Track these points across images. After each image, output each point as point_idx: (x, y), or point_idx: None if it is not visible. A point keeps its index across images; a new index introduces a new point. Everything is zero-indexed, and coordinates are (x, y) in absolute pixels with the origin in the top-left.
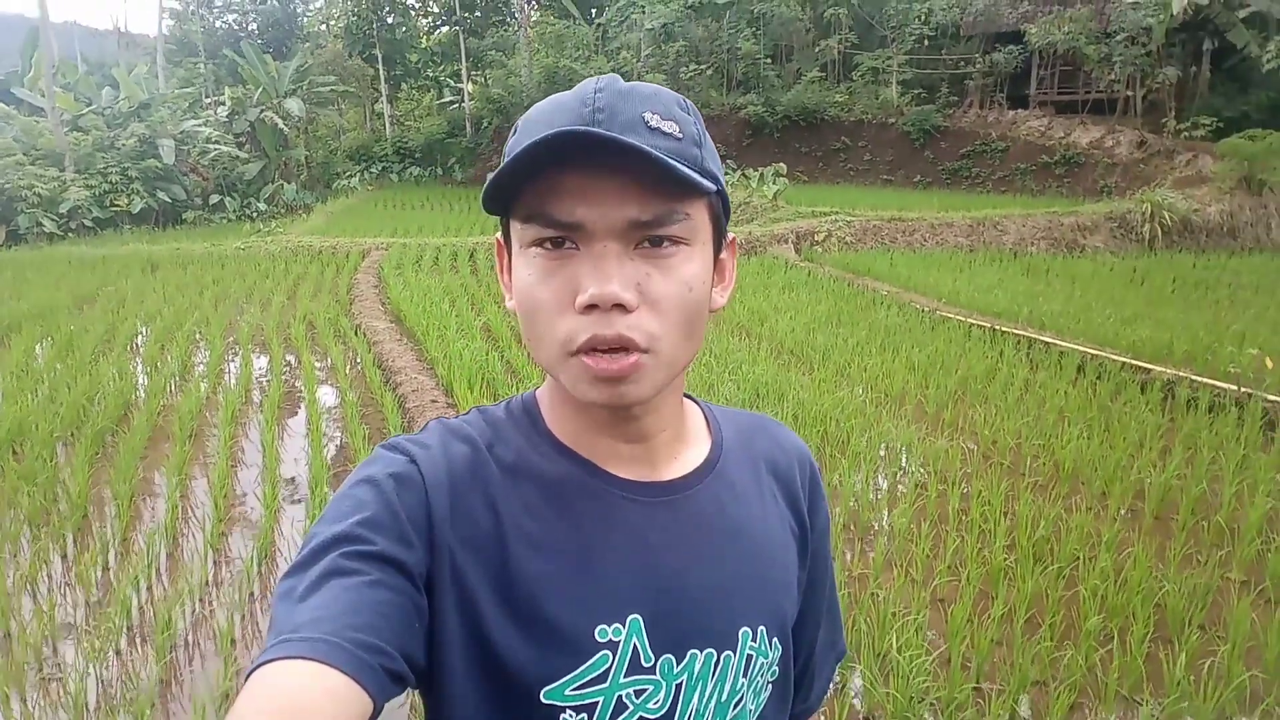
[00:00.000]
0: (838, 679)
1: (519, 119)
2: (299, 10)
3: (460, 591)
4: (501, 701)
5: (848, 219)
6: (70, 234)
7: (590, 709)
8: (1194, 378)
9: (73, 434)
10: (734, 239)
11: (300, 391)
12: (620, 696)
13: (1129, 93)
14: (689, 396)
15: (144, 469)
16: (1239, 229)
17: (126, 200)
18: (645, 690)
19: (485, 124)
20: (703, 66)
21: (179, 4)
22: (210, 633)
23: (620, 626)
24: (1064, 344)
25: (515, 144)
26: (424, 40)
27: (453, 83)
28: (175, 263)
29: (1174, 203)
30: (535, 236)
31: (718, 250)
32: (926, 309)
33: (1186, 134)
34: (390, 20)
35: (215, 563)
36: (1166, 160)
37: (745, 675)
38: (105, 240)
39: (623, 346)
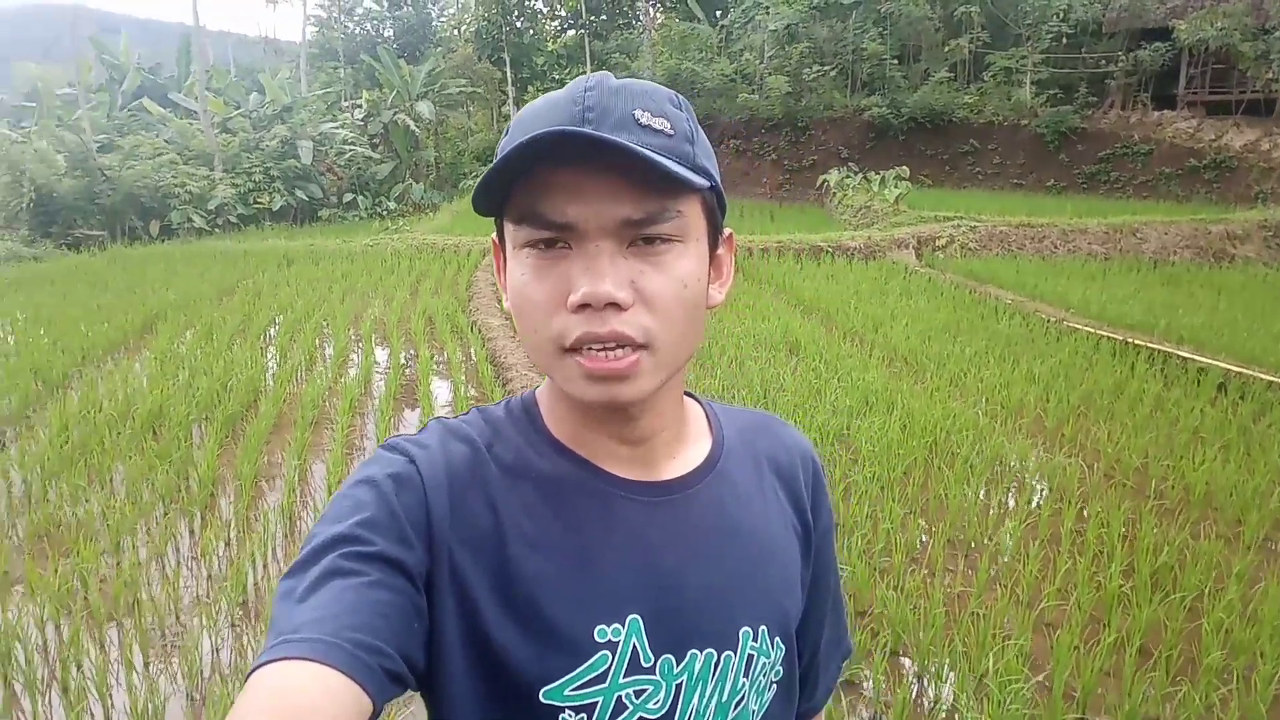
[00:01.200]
0: (931, 693)
1: (513, 118)
2: (432, 16)
3: (459, 591)
4: (500, 701)
5: (972, 224)
6: (217, 229)
7: (590, 709)
8: None
9: (206, 417)
10: (731, 234)
11: (417, 384)
12: (620, 697)
13: None
14: (690, 395)
15: (267, 453)
16: None
17: (268, 198)
18: (645, 690)
19: None
20: (826, 68)
21: (323, 12)
22: None
23: (619, 626)
24: (1204, 359)
25: (506, 144)
26: (550, 44)
27: None
28: (308, 258)
29: None
30: (528, 237)
31: (714, 246)
32: (1052, 319)
33: None
34: (519, 24)
35: None
36: None
37: (747, 675)
38: (248, 235)
39: (618, 342)
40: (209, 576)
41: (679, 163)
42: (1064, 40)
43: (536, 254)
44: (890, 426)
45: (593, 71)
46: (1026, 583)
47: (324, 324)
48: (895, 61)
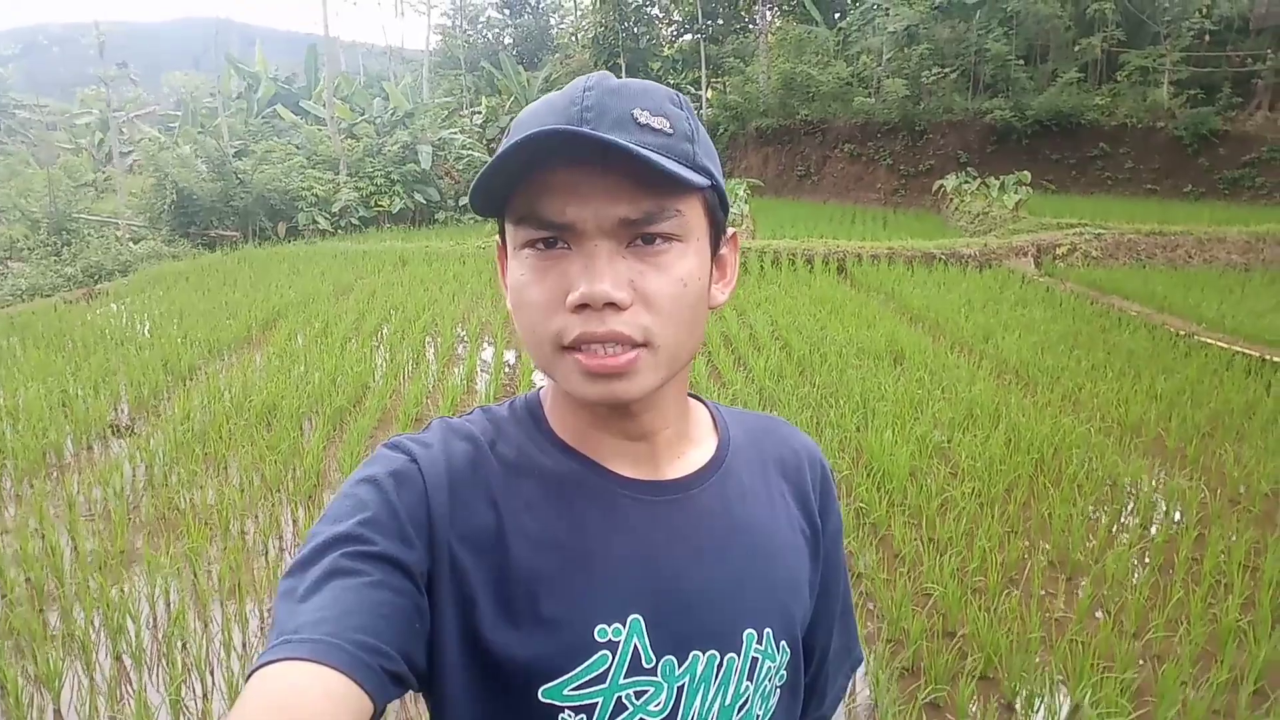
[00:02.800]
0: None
1: (511, 121)
2: (551, 23)
3: (460, 590)
4: (500, 701)
5: (1096, 232)
6: (340, 230)
7: (589, 709)
8: None
9: (315, 411)
10: (734, 234)
11: (518, 384)
12: (620, 697)
13: None
14: (696, 397)
15: (370, 448)
16: None
17: (388, 200)
18: (646, 691)
19: (721, 130)
20: (947, 69)
21: (447, 21)
22: None
23: (620, 626)
24: None
25: (504, 144)
26: (666, 49)
27: (693, 89)
28: (423, 259)
29: None
30: (528, 237)
31: (716, 246)
32: (1181, 333)
33: None
34: (635, 30)
35: None
36: None
37: (750, 678)
38: (367, 237)
39: (616, 341)
40: None
41: (679, 162)
42: (1207, 37)
43: (536, 254)
44: (994, 441)
45: (707, 76)
46: (1134, 610)
47: (433, 323)
48: (1021, 62)
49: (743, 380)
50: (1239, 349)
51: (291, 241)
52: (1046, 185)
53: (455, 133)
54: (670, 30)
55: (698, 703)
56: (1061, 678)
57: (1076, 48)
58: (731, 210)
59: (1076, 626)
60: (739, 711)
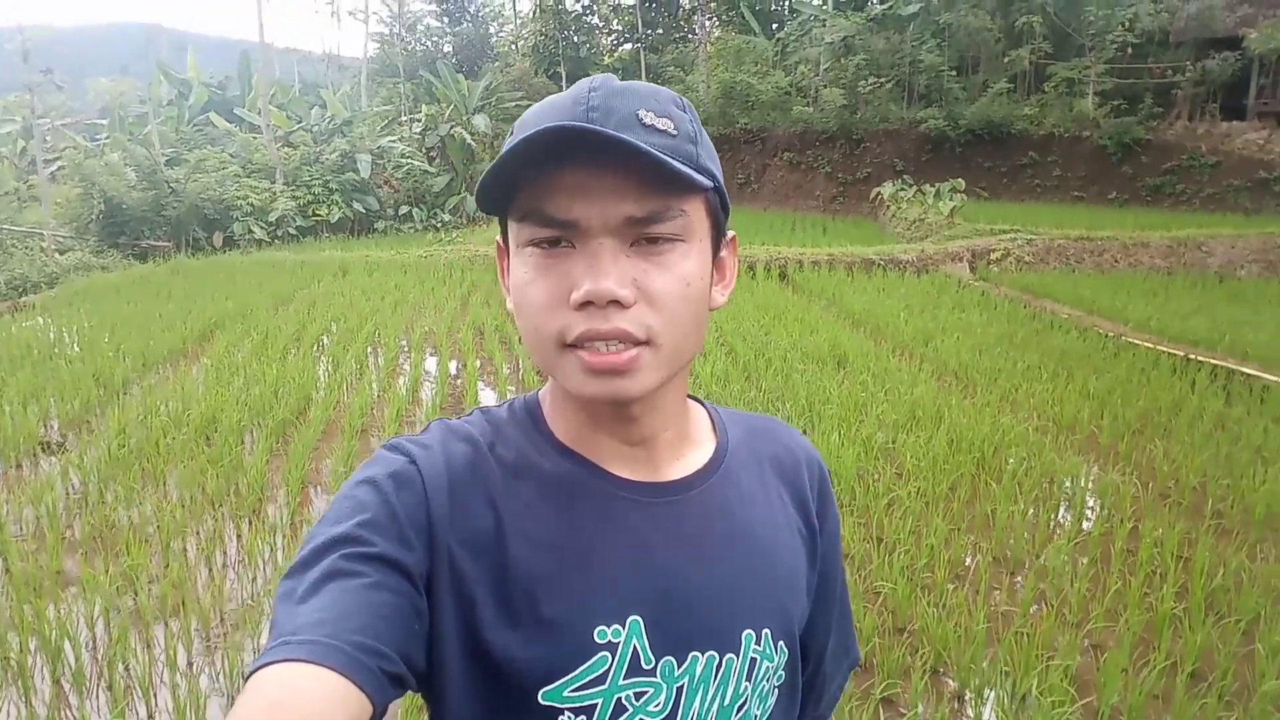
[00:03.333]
0: (970, 713)
1: (515, 121)
2: (491, 32)
3: (459, 592)
4: (500, 702)
5: (1028, 237)
6: (276, 240)
7: (589, 711)
8: None
9: (257, 424)
10: (734, 237)
11: (464, 394)
12: (620, 698)
13: None
14: (695, 399)
15: (315, 460)
16: None
17: (326, 210)
18: (645, 692)
19: None
20: (883, 80)
21: (385, 29)
22: None
23: (620, 628)
24: (1269, 377)
25: (510, 142)
26: (607, 58)
27: None
28: (363, 268)
29: None
30: (531, 235)
31: (717, 248)
32: (1110, 334)
33: None
34: (575, 39)
35: None
36: None
37: (749, 679)
38: (306, 247)
39: (619, 339)
40: (254, 580)
41: (683, 163)
42: (1129, 50)
43: (540, 252)
44: (937, 441)
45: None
46: (1075, 602)
47: (376, 334)
48: (953, 73)
49: (690, 386)
50: (1164, 349)
51: (227, 252)
52: (979, 192)
53: (394, 141)
54: (610, 39)
55: (697, 703)
56: (1008, 669)
57: (1006, 59)
58: None
59: (1021, 619)
60: (737, 712)
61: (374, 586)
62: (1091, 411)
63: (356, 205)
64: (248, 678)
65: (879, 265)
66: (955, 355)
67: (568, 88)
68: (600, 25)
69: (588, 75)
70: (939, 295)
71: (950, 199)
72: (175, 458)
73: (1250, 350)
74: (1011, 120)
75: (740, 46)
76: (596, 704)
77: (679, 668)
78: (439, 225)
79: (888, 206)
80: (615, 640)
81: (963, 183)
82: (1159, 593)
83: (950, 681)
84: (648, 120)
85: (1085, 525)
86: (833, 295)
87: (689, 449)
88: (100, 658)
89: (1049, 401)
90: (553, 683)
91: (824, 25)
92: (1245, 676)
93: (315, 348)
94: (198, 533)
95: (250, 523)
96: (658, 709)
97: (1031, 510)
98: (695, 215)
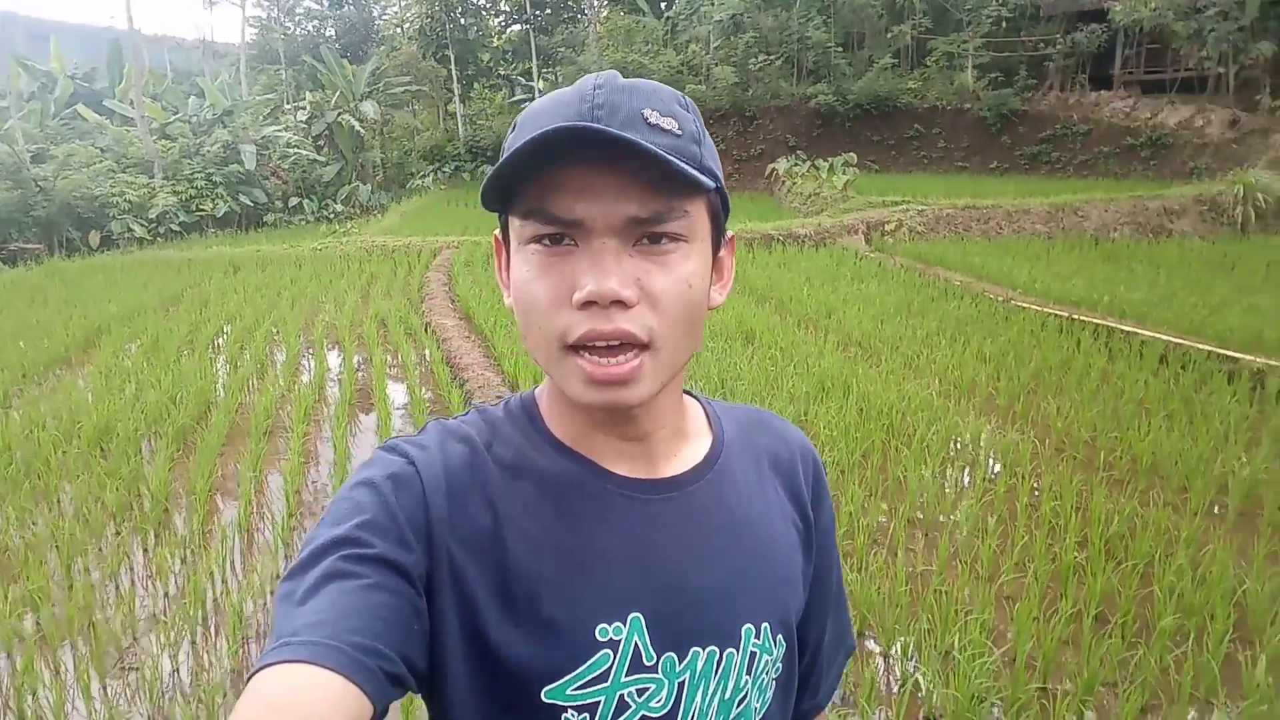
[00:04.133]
0: (898, 671)
1: (519, 115)
2: (375, 15)
3: (460, 592)
4: (503, 702)
5: (920, 208)
6: (159, 238)
7: (592, 709)
8: None
9: (156, 432)
10: (733, 237)
11: (372, 389)
12: (622, 695)
13: (1221, 70)
14: (689, 393)
15: (221, 465)
16: None
17: (211, 204)
18: (647, 689)
19: None
20: (772, 57)
21: (262, 13)
22: None
23: (621, 625)
24: (1145, 333)
25: (515, 140)
26: (495, 39)
27: (524, 80)
28: (255, 264)
29: (1269, 184)
30: (534, 233)
31: (716, 248)
32: (1000, 299)
33: None
34: (462, 21)
35: (286, 556)
36: (1262, 139)
37: (749, 673)
38: (191, 244)
39: (621, 342)
40: (166, 595)
41: (687, 163)
42: (1003, 24)
43: (542, 250)
44: (848, 411)
45: (539, 66)
46: (986, 558)
47: (274, 331)
48: (840, 49)
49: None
50: (1050, 311)
51: (105, 252)
52: (870, 166)
53: (280, 130)
54: (498, 21)
55: (698, 698)
56: (930, 627)
57: (889, 35)
58: None
59: (938, 578)
60: (738, 706)
61: (373, 588)
62: (988, 374)
63: (243, 198)
64: (248, 679)
65: (778, 240)
66: (858, 325)
67: (456, 71)
68: (487, 6)
69: (476, 59)
70: (838, 267)
71: (844, 173)
72: (69, 472)
73: (1127, 308)
74: (897, 94)
75: (630, 26)
76: (599, 702)
77: (680, 663)
78: (331, 216)
79: (783, 182)
80: (617, 638)
81: (855, 157)
82: (1062, 543)
83: (875, 644)
84: (653, 119)
85: (991, 484)
86: (736, 272)
87: (685, 444)
88: (5, 689)
89: (949, 366)
90: (555, 681)
91: (713, 3)
92: (1145, 616)
93: (211, 349)
94: (100, 550)
95: (156, 535)
96: (660, 705)
97: (941, 472)
98: (698, 215)
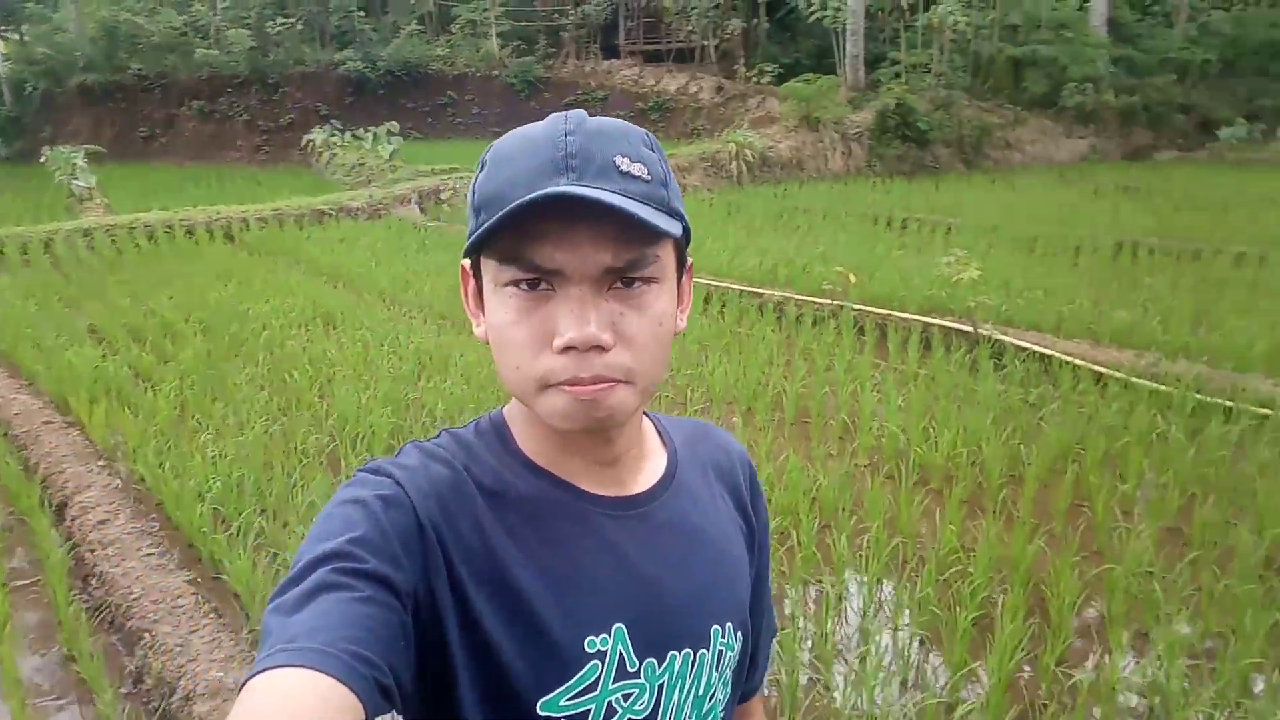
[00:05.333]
0: None
1: (485, 154)
2: None
3: (461, 607)
4: (501, 715)
5: (470, 174)
6: None
7: (583, 717)
8: (797, 297)
9: None
10: (691, 264)
11: None
12: (610, 702)
13: (705, 42)
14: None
15: None
16: (804, 161)
17: None
18: (632, 694)
19: (30, 89)
20: (292, 20)
21: None
22: None
23: (607, 636)
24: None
25: (488, 181)
26: None
27: None
28: None
29: (753, 141)
30: (512, 277)
31: (680, 275)
32: None
33: (755, 80)
34: None
35: None
36: (741, 103)
37: (717, 669)
38: None
39: (600, 382)
40: None
41: (656, 207)
42: None
43: (520, 294)
44: (455, 383)
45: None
46: None
47: None
48: (363, 14)
49: (174, 374)
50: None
51: None
52: (411, 134)
53: None
54: None
55: (675, 697)
56: None
57: (412, 1)
58: (78, 184)
59: None
60: (709, 700)
61: (365, 600)
62: None
63: None
64: (243, 684)
65: (330, 215)
66: (440, 298)
67: None
68: None
69: None
70: (400, 239)
71: (389, 142)
72: None
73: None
74: (427, 61)
75: None
76: (590, 710)
77: (659, 667)
78: None
79: (320, 154)
80: (604, 648)
81: (398, 125)
82: None
83: None
84: (624, 167)
85: None
86: (293, 251)
87: (647, 462)
88: None
89: None
90: (550, 693)
91: None
92: None
93: None
94: None
95: None
96: (642, 708)
97: None
98: (666, 257)
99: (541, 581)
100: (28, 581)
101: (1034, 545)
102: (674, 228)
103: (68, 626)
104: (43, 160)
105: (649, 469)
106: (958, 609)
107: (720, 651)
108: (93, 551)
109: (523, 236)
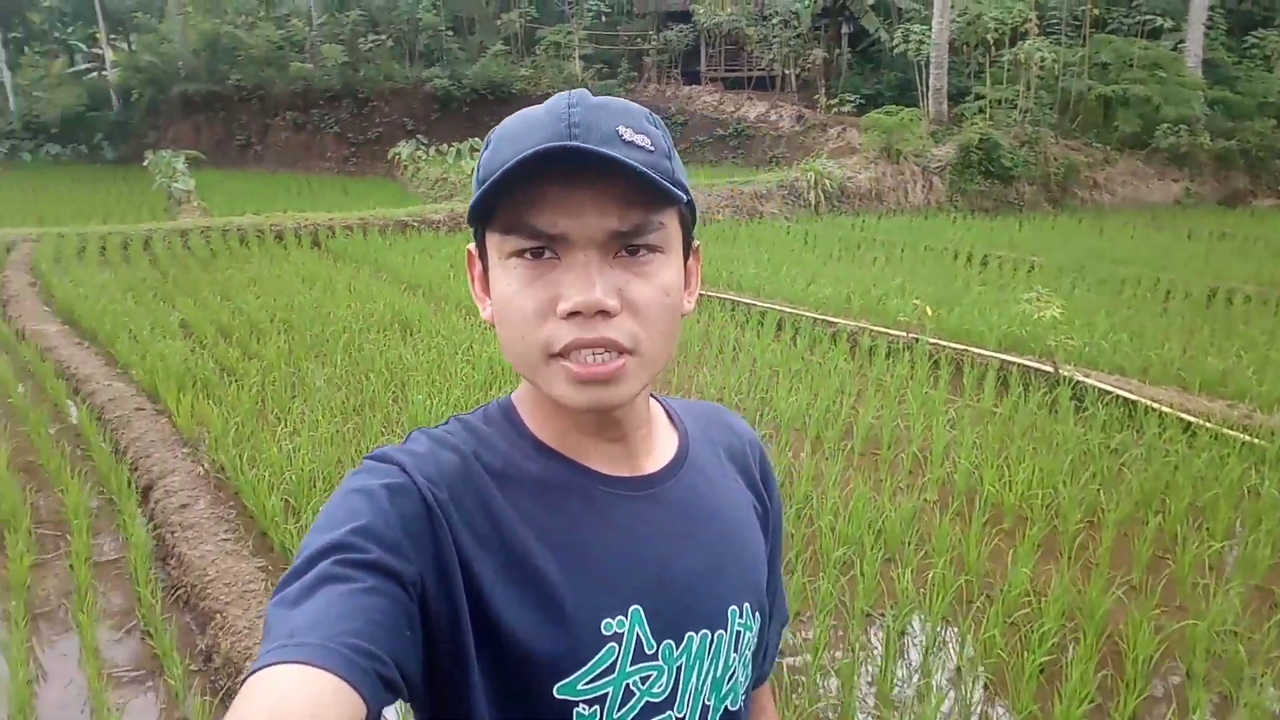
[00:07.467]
0: None
1: (491, 133)
2: None
3: (474, 594)
4: (516, 700)
5: None
6: None
7: (601, 700)
8: (872, 328)
9: None
10: (699, 246)
11: None
12: (627, 684)
13: (786, 71)
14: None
15: None
16: (883, 193)
17: None
18: (650, 676)
19: (136, 96)
20: (383, 37)
21: None
22: None
23: (623, 618)
24: (762, 304)
25: (492, 157)
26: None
27: (85, 47)
28: None
29: (832, 171)
30: (516, 247)
31: (686, 257)
32: None
33: (835, 109)
34: None
35: None
36: (821, 133)
37: (736, 650)
38: None
39: (605, 348)
40: None
41: (660, 177)
42: (603, 18)
43: (525, 263)
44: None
45: (108, 32)
46: None
47: None
48: (451, 33)
49: (256, 370)
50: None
51: None
52: None
53: None
54: None
55: (694, 679)
56: None
57: (499, 22)
58: (177, 187)
59: None
60: (728, 682)
61: (368, 591)
62: None
63: None
64: (244, 681)
65: (413, 226)
66: None
67: (2, 34)
68: None
69: (26, 19)
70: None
71: (472, 158)
72: None
73: (744, 282)
74: (511, 81)
75: None
76: (608, 693)
77: (677, 649)
78: None
79: (406, 167)
80: (620, 630)
81: (481, 142)
82: None
83: None
84: (627, 136)
85: None
86: (376, 260)
87: (658, 442)
88: None
89: None
90: (567, 677)
91: None
92: (814, 551)
93: None
94: None
95: None
96: (660, 690)
97: None
98: (671, 227)
99: (556, 564)
100: (113, 557)
101: (1111, 594)
102: (679, 194)
103: (145, 603)
104: (145, 164)
105: (660, 450)
106: (1025, 653)
107: (739, 633)
108: (173, 534)
109: (523, 204)
